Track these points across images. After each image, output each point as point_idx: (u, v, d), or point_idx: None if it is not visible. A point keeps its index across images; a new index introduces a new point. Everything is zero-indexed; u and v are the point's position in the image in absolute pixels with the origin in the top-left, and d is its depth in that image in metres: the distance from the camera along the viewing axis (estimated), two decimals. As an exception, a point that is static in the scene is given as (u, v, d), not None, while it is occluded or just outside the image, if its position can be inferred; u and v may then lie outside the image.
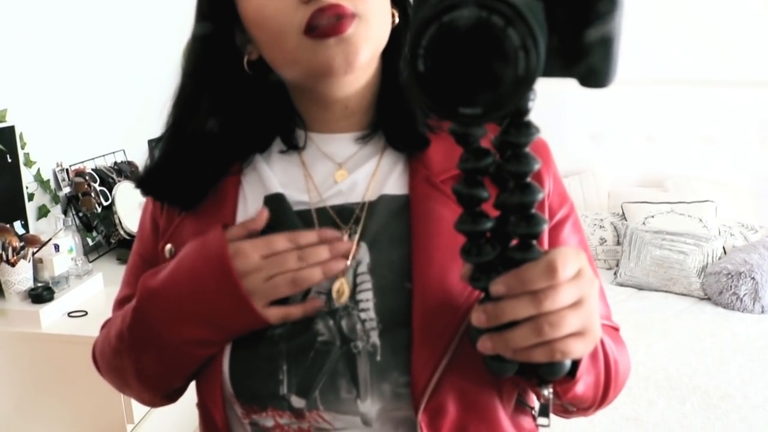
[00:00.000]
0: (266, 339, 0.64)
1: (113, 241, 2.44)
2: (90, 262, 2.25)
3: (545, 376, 0.52)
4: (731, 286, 2.61)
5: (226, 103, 0.71)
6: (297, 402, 0.63)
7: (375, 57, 0.67)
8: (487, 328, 0.50)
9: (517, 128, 0.44)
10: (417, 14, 0.40)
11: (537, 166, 0.45)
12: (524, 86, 0.38)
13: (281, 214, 0.68)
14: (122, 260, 2.37)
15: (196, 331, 0.63)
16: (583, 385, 0.61)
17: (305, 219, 0.69)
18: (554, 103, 3.20)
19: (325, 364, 0.63)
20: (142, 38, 2.90)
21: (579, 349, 0.51)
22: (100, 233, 2.42)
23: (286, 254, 0.63)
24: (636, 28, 3.22)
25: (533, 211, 0.46)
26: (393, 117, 0.71)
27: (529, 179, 0.46)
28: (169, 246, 0.71)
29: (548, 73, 0.40)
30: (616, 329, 0.75)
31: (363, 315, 0.64)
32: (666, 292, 2.80)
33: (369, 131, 0.72)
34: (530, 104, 0.44)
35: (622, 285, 2.86)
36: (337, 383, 0.62)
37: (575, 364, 0.56)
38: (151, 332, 0.66)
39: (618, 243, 3.04)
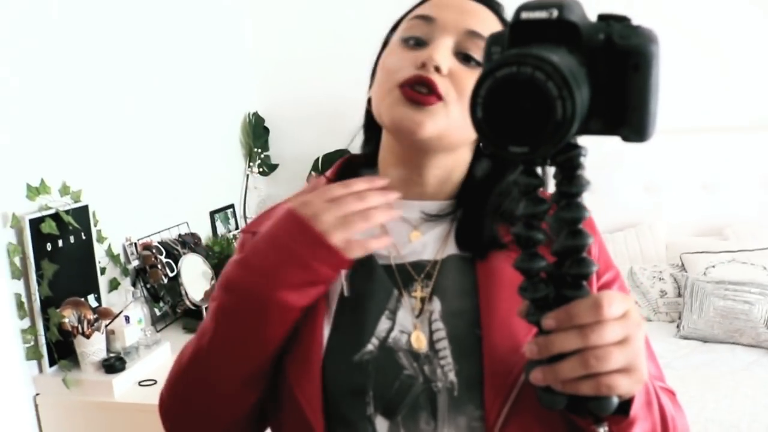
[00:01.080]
0: (356, 365, 0.72)
1: (179, 311, 2.54)
2: (158, 331, 2.34)
3: (594, 410, 0.56)
4: (802, 336, 2.52)
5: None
6: (381, 424, 0.70)
7: (446, 141, 0.76)
8: (539, 361, 0.56)
9: (570, 180, 0.52)
10: (484, 72, 0.48)
11: (587, 214, 0.52)
12: (563, 130, 0.45)
13: (368, 265, 0.78)
14: (188, 329, 2.46)
15: (288, 274, 0.68)
16: (643, 428, 0.64)
17: (388, 272, 0.79)
18: (608, 157, 3.21)
19: (408, 395, 0.71)
20: (201, 117, 3.07)
21: (624, 385, 0.55)
22: (167, 303, 2.52)
23: (346, 197, 0.70)
24: (686, 76, 3.24)
25: (584, 254, 0.53)
26: (466, 217, 0.81)
27: (580, 226, 0.53)
28: None
29: (595, 131, 0.48)
30: (672, 393, 0.78)
31: (442, 361, 0.72)
32: (733, 344, 2.71)
33: (441, 213, 0.82)
34: (582, 159, 0.51)
35: (686, 338, 2.79)
36: (418, 414, 0.70)
37: (627, 404, 0.60)
38: (244, 296, 0.70)
39: (679, 295, 2.98)
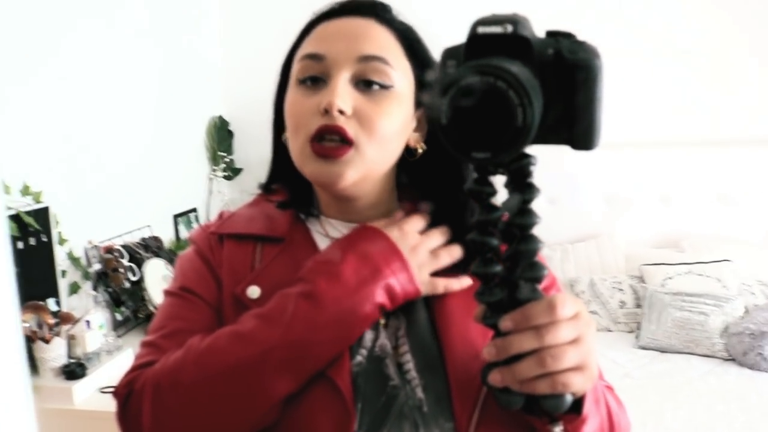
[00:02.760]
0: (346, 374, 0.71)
1: (141, 316, 2.50)
2: (119, 337, 2.30)
3: (549, 408, 0.59)
4: (755, 346, 2.60)
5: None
6: None
7: (369, 180, 0.77)
8: (495, 364, 0.58)
9: (521, 188, 0.54)
10: (439, 84, 0.50)
11: (538, 220, 0.55)
12: (522, 136, 0.48)
13: None
14: (149, 334, 2.41)
15: (375, 293, 0.71)
16: (593, 426, 0.67)
17: None
18: (568, 170, 3.30)
19: (393, 407, 0.71)
20: (165, 120, 3.03)
21: (578, 382, 0.58)
22: (128, 308, 2.48)
23: (435, 234, 0.78)
24: (646, 91, 3.32)
25: (536, 259, 0.56)
26: None
27: (532, 231, 0.55)
28: (254, 287, 0.76)
29: (546, 140, 0.51)
30: (611, 388, 0.81)
31: (407, 376, 0.72)
32: (689, 353, 2.78)
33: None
34: (532, 168, 0.53)
35: (644, 348, 2.85)
36: (402, 425, 0.70)
37: (579, 402, 0.63)
38: (333, 305, 0.70)
39: (638, 305, 3.04)
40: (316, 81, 0.75)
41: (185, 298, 0.79)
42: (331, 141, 0.73)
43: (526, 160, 0.53)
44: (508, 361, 0.57)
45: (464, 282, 0.75)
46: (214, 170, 3.47)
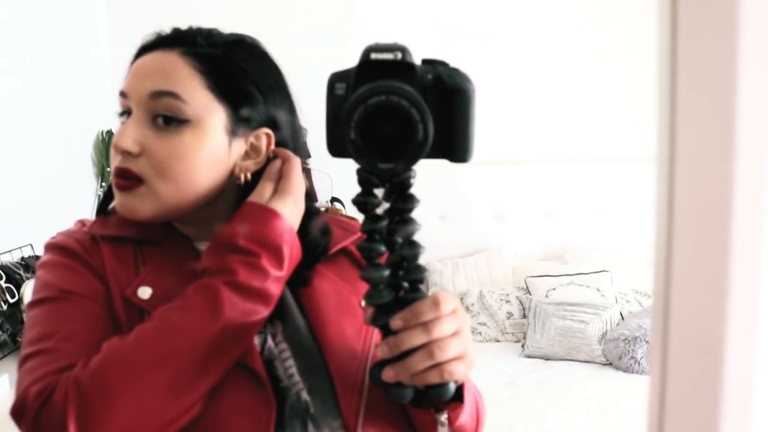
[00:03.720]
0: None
1: (19, 340, 2.37)
2: (-5, 362, 2.18)
3: (437, 397, 0.65)
4: (629, 351, 2.78)
5: None
6: None
7: (173, 210, 0.80)
8: (384, 362, 0.64)
9: (404, 198, 0.60)
10: (328, 105, 0.58)
11: (419, 227, 0.61)
12: (423, 147, 0.55)
13: None
14: (17, 364, 2.30)
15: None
16: (468, 411, 0.74)
17: None
18: (459, 186, 3.43)
19: (285, 407, 0.74)
20: (48, 134, 2.91)
21: (461, 370, 0.65)
22: (5, 332, 2.35)
23: None
24: (529, 111, 3.50)
25: (419, 262, 0.62)
26: None
27: (414, 237, 0.61)
28: (144, 288, 0.77)
29: (429, 155, 0.57)
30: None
31: (293, 379, 0.76)
32: (571, 360, 2.94)
33: None
34: (412, 180, 0.60)
35: (530, 357, 2.98)
36: (294, 425, 0.73)
37: (459, 391, 0.70)
38: (254, 297, 0.74)
39: (524, 316, 3.18)
40: (130, 114, 0.79)
41: (69, 300, 0.76)
42: (127, 177, 0.78)
43: (406, 174, 0.58)
44: (398, 358, 0.63)
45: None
46: (101, 186, 3.35)
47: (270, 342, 0.78)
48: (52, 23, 2.96)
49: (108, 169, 3.30)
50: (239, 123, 0.80)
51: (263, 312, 0.74)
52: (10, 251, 2.52)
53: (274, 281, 0.75)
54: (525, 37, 3.48)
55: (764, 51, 0.26)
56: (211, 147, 0.78)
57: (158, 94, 0.76)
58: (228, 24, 0.89)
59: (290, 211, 0.77)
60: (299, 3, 3.50)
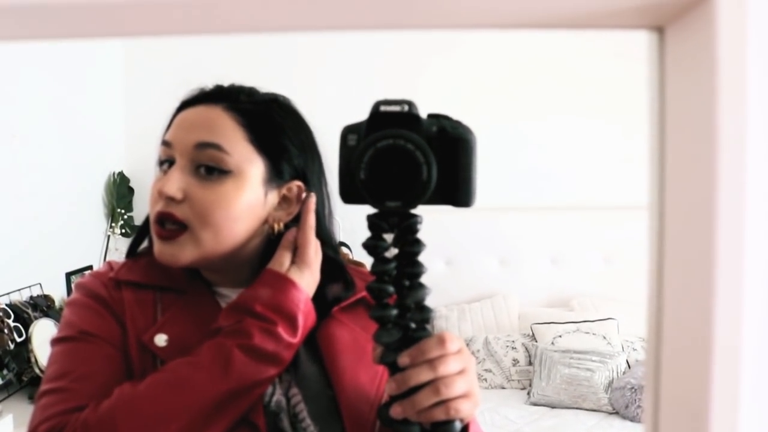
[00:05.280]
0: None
1: (25, 379, 2.38)
2: None
3: None
4: (636, 399, 2.75)
5: None
6: None
7: (211, 257, 0.83)
8: (394, 399, 0.66)
9: (410, 242, 0.63)
10: (341, 155, 0.62)
11: (426, 269, 0.63)
12: (427, 187, 0.59)
13: None
14: (34, 399, 2.30)
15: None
16: None
17: None
18: (465, 232, 3.46)
19: None
20: (60, 174, 2.96)
21: (467, 408, 0.66)
22: (11, 371, 2.36)
23: None
24: (536, 158, 3.55)
25: (425, 303, 0.64)
26: None
27: (421, 280, 0.64)
28: (161, 335, 0.80)
29: (432, 201, 0.61)
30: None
31: (303, 424, 0.78)
32: (577, 408, 2.91)
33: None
34: (419, 225, 0.63)
35: (535, 404, 2.96)
36: None
37: (465, 430, 0.70)
38: (266, 361, 0.77)
39: (530, 363, 3.17)
40: (171, 165, 0.83)
41: (88, 341, 0.81)
42: (170, 224, 0.81)
43: (413, 219, 0.62)
44: (405, 395, 0.65)
45: None
46: (111, 227, 3.39)
47: (278, 395, 0.80)
48: (69, 66, 3.04)
49: (119, 210, 3.35)
50: (275, 175, 0.85)
51: (272, 372, 0.78)
52: (19, 290, 2.54)
53: (287, 347, 0.78)
54: (532, 92, 3.54)
55: (741, 109, 0.29)
56: (250, 197, 0.83)
57: (203, 146, 0.81)
58: (239, 79, 0.94)
59: (307, 282, 0.82)
60: (317, 64, 3.58)
